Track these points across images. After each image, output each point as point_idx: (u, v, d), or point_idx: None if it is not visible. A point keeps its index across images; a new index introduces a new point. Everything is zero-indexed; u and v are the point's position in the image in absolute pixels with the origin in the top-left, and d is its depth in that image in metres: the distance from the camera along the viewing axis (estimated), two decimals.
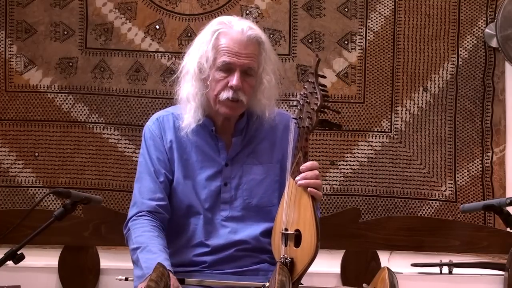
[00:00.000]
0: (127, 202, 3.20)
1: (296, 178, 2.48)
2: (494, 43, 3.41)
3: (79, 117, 3.39)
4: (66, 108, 3.40)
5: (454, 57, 3.43)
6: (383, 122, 3.42)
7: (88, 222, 3.25)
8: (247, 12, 3.40)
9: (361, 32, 3.42)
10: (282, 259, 2.45)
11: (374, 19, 3.43)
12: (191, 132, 2.66)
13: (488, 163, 3.42)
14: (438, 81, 3.43)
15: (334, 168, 3.41)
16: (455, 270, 3.30)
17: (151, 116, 2.80)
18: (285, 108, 3.33)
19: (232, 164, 2.69)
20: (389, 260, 3.35)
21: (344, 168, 3.41)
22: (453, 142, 3.42)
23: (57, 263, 3.28)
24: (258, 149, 2.72)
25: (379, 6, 3.43)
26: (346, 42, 3.43)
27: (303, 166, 2.48)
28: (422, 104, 3.43)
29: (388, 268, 2.42)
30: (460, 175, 3.42)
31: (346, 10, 3.42)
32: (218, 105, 2.62)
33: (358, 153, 3.41)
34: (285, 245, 2.47)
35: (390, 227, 3.31)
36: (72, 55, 3.40)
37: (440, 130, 3.42)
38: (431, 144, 3.42)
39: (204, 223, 2.66)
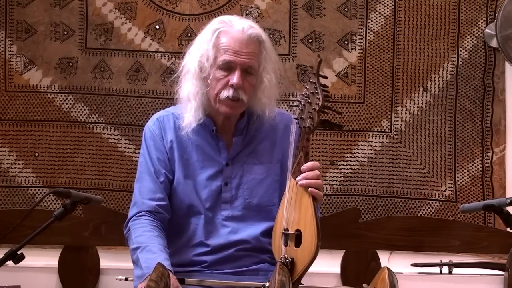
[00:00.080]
0: (127, 202, 3.20)
1: (297, 178, 2.48)
2: (494, 43, 3.41)
3: (79, 117, 3.39)
4: (66, 108, 3.39)
5: (454, 57, 3.43)
6: (383, 122, 3.42)
7: (88, 222, 3.25)
8: (247, 12, 3.40)
9: (361, 32, 3.42)
10: (282, 259, 2.45)
11: (374, 19, 3.43)
12: (191, 132, 2.66)
13: (488, 163, 3.42)
14: (438, 81, 3.43)
15: (334, 168, 3.41)
16: (455, 270, 3.30)
17: (151, 116, 2.80)
18: (285, 108, 3.33)
19: (232, 164, 2.69)
20: (389, 260, 3.35)
21: (344, 168, 3.41)
22: (453, 142, 3.42)
23: (57, 263, 3.27)
24: (259, 149, 2.72)
25: (379, 6, 3.43)
26: (346, 42, 3.42)
27: (304, 166, 2.48)
28: (422, 104, 3.43)
29: (388, 268, 2.42)
30: (460, 175, 3.42)
31: (346, 10, 3.42)
32: (218, 104, 2.62)
33: (358, 153, 3.41)
34: (286, 245, 2.47)
35: (390, 227, 3.30)
36: (72, 55, 3.39)
37: (440, 130, 3.42)
38: (431, 144, 3.42)
39: (205, 222, 2.66)
